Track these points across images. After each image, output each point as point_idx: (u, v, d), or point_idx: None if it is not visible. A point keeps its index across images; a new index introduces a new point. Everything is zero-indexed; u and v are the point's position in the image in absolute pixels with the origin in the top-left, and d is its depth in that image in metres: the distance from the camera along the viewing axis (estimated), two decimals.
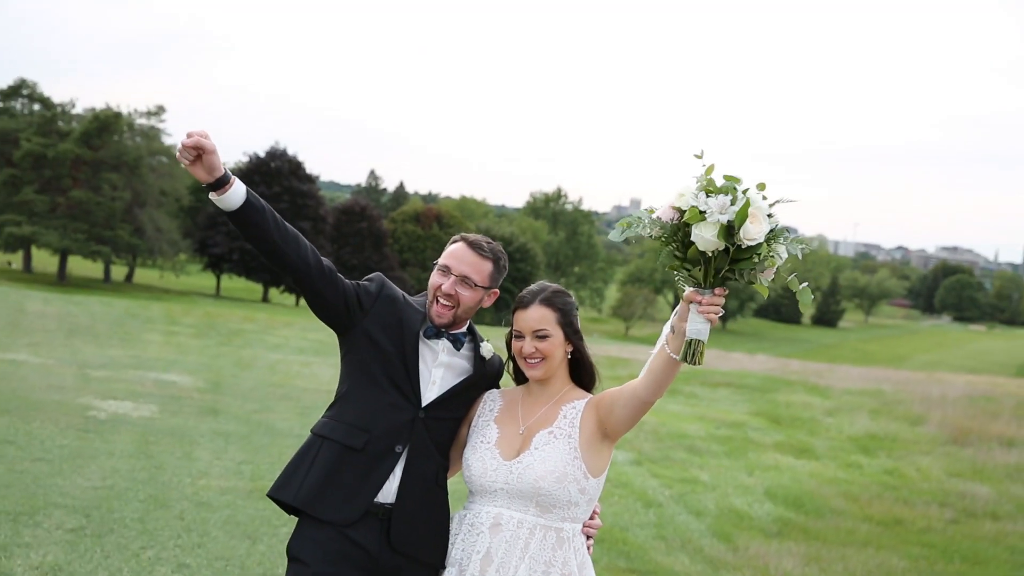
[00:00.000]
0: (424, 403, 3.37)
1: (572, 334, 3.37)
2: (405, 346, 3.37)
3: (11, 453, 8.36)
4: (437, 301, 3.39)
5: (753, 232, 2.83)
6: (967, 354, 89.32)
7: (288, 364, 18.06)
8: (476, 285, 3.40)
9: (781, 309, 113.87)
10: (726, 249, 2.88)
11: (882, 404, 19.31)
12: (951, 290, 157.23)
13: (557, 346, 3.34)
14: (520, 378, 3.51)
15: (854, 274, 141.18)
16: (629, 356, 25.24)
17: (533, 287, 3.43)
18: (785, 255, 2.94)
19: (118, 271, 66.87)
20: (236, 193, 3.14)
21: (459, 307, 3.38)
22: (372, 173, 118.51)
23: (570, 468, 3.22)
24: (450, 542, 3.35)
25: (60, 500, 7.15)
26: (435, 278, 3.43)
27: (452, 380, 3.43)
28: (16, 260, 64.32)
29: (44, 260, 65.31)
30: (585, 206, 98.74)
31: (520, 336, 3.36)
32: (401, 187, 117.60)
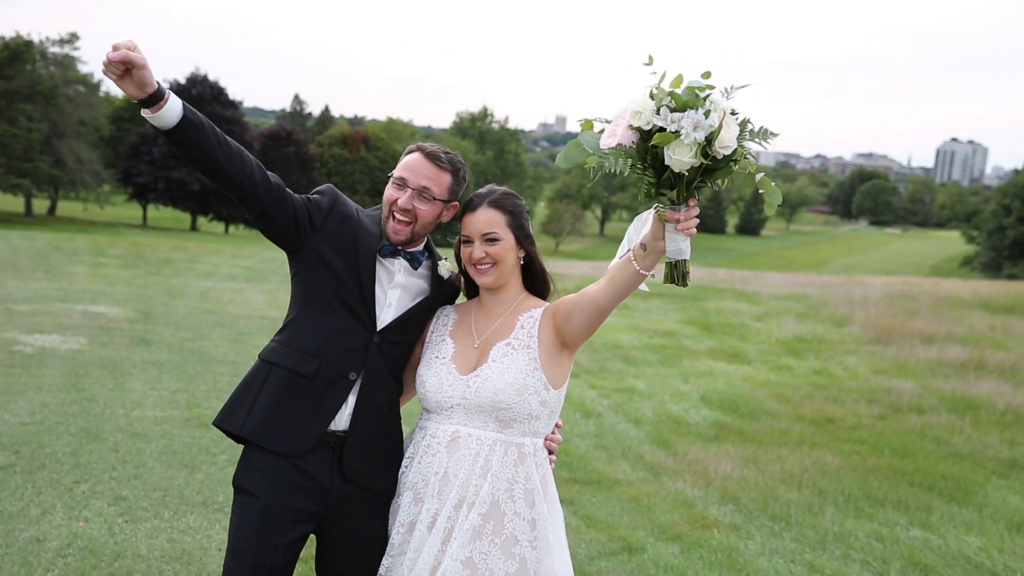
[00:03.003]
0: (379, 327, 3.20)
1: (524, 238, 3.22)
2: (360, 267, 3.17)
3: None
4: (393, 217, 3.18)
5: (727, 140, 2.58)
6: (884, 256, 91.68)
7: (219, 291, 17.79)
8: (435, 198, 3.19)
9: (706, 220, 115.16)
10: (700, 164, 2.62)
11: (808, 308, 19.71)
12: (867, 195, 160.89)
13: (508, 250, 3.18)
14: (471, 291, 3.36)
15: (775, 183, 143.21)
16: (561, 271, 25.32)
17: (481, 190, 3.25)
18: (758, 149, 2.72)
19: (40, 204, 65.01)
20: (172, 109, 2.86)
21: (417, 223, 3.19)
22: (296, 98, 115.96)
23: (530, 380, 3.08)
24: (403, 465, 3.22)
25: None
26: (390, 192, 3.20)
27: (408, 302, 3.26)
28: None
29: None
30: (511, 124, 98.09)
31: (469, 241, 3.19)
32: (327, 111, 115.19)
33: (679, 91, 2.63)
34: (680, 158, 2.60)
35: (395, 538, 3.16)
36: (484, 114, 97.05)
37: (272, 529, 3.08)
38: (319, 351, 3.16)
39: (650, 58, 2.68)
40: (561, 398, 3.21)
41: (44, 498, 5.89)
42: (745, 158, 2.67)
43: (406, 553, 3.11)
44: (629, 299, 19.72)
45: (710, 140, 2.59)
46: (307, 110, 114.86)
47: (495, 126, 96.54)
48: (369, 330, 3.20)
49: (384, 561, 3.17)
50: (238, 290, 18.28)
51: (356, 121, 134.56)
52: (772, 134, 2.73)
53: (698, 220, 2.75)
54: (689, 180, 2.68)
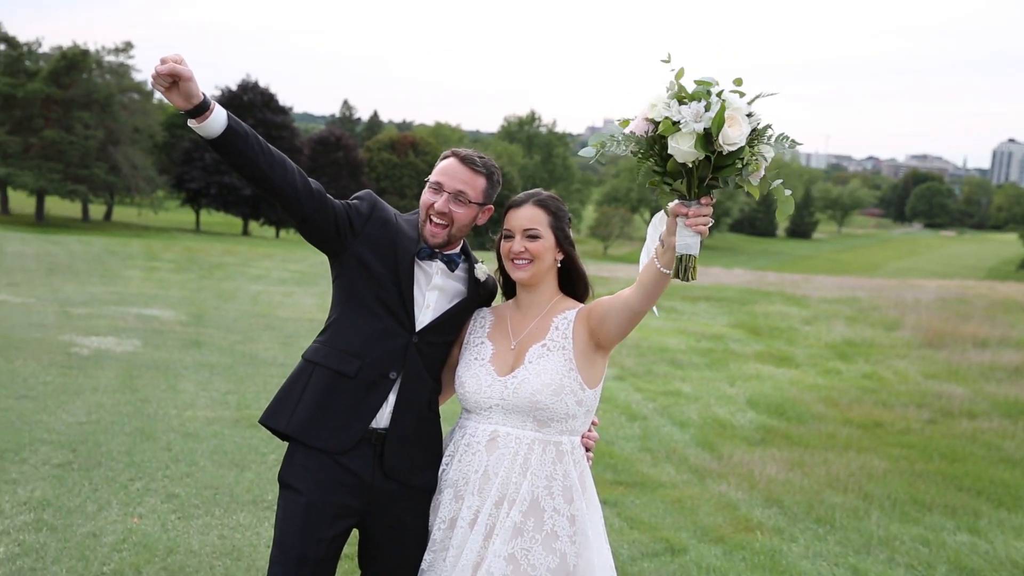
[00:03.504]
0: (418, 328, 3.29)
1: (564, 240, 3.30)
2: (399, 270, 3.26)
3: None
4: (430, 220, 3.27)
5: (733, 136, 2.65)
6: (938, 259, 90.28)
7: (270, 295, 18.04)
8: (470, 201, 3.28)
9: (756, 223, 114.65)
10: (707, 157, 2.69)
11: (858, 311, 19.50)
12: (921, 198, 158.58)
13: (547, 249, 3.26)
14: (509, 290, 3.45)
15: (826, 185, 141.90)
16: (608, 275, 25.31)
17: (528, 191, 3.35)
18: (771, 154, 2.75)
19: (96, 210, 66.32)
20: (217, 120, 2.97)
21: (453, 225, 3.28)
22: (346, 103, 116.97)
23: (566, 380, 3.16)
24: (444, 463, 3.31)
25: (46, 436, 7.18)
26: (427, 196, 3.29)
27: (446, 303, 3.34)
28: None
29: (21, 201, 64.62)
30: (559, 128, 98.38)
31: (510, 236, 3.27)
32: (375, 116, 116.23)
33: (689, 87, 2.72)
34: (680, 147, 2.68)
35: (436, 534, 3.24)
36: (531, 118, 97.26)
37: (316, 524, 3.17)
38: (360, 352, 3.25)
39: (668, 56, 2.77)
40: (597, 397, 3.27)
41: (100, 495, 6.06)
42: (755, 159, 2.72)
43: (448, 549, 3.19)
44: (676, 302, 19.76)
45: (712, 133, 2.66)
46: (356, 115, 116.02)
47: (543, 130, 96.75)
48: (408, 331, 3.29)
49: (426, 556, 3.25)
50: (288, 294, 18.53)
51: (404, 126, 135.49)
52: (794, 142, 2.78)
53: (711, 220, 2.80)
54: (701, 177, 2.75)
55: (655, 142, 2.76)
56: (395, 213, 3.39)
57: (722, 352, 14.28)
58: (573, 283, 3.38)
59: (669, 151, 2.71)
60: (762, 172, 2.77)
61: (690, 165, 2.73)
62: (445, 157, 3.36)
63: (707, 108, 2.67)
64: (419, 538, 3.30)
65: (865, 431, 9.71)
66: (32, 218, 56.20)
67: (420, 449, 3.31)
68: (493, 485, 3.16)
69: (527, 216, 3.26)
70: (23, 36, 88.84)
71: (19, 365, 9.54)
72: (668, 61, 2.77)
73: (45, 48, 60.11)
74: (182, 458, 6.97)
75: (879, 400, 11.28)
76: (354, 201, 3.35)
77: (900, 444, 9.19)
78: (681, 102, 2.70)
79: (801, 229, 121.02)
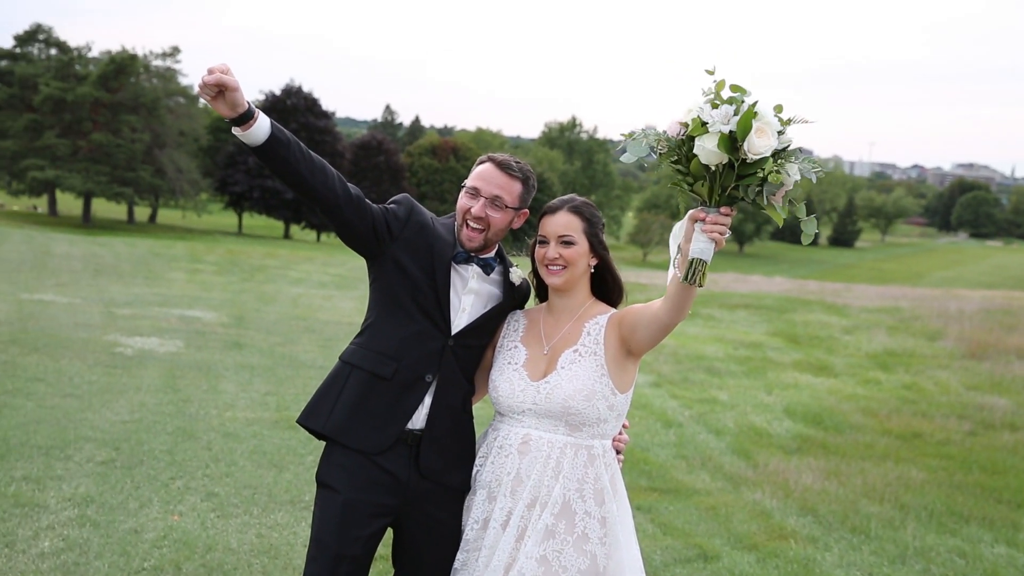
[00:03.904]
0: (454, 331, 3.34)
1: (598, 245, 3.35)
2: (436, 274, 3.31)
3: (41, 390, 8.56)
4: (467, 225, 3.33)
5: (759, 146, 2.72)
6: (984, 270, 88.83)
7: (310, 298, 18.21)
8: (506, 206, 3.33)
9: (797, 231, 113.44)
10: (732, 165, 2.76)
11: (899, 321, 19.29)
12: (967, 207, 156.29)
13: (581, 255, 3.31)
14: (542, 293, 3.50)
15: (870, 194, 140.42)
16: (647, 281, 25.25)
17: (563, 197, 3.41)
18: (798, 176, 2.81)
19: (141, 212, 67.28)
20: (260, 128, 3.03)
21: (489, 230, 3.33)
22: (388, 108, 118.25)
23: (598, 386, 3.22)
24: (477, 464, 3.37)
25: (90, 434, 7.33)
26: (464, 201, 3.35)
27: (481, 307, 3.39)
28: (41, 204, 64.99)
29: (68, 203, 65.74)
30: (600, 135, 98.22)
31: (544, 242, 3.33)
32: (417, 121, 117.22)
33: (726, 93, 2.82)
34: (705, 146, 2.76)
35: (469, 533, 3.30)
36: (572, 124, 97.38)
37: (353, 522, 3.23)
38: (397, 354, 3.30)
39: (713, 67, 2.87)
40: (628, 401, 3.32)
41: (142, 492, 6.19)
42: (775, 172, 2.78)
43: (481, 549, 3.25)
44: (715, 310, 19.70)
45: (738, 139, 2.73)
46: (398, 120, 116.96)
47: (583, 136, 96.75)
48: (444, 334, 3.34)
49: (459, 555, 3.31)
50: (328, 297, 18.70)
51: (446, 131, 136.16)
52: (821, 169, 2.87)
53: (727, 231, 2.86)
54: (724, 185, 2.82)
55: (683, 143, 2.85)
56: (432, 217, 3.44)
57: (760, 360, 14.21)
58: (608, 288, 3.43)
59: (694, 151, 2.79)
60: (790, 186, 2.83)
61: (713, 168, 2.81)
62: (482, 162, 3.42)
63: (736, 112, 2.76)
64: (453, 537, 3.35)
65: (904, 442, 9.63)
66: (79, 220, 57.16)
67: (455, 450, 3.37)
68: (525, 488, 3.21)
69: (562, 223, 3.31)
70: (74, 41, 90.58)
71: (65, 364, 9.74)
72: (712, 72, 2.86)
73: (95, 52, 61.27)
74: (222, 458, 7.08)
75: (919, 411, 11.17)
76: (392, 206, 3.40)
77: (939, 455, 9.11)
78: (715, 107, 2.79)
79: (843, 237, 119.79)
